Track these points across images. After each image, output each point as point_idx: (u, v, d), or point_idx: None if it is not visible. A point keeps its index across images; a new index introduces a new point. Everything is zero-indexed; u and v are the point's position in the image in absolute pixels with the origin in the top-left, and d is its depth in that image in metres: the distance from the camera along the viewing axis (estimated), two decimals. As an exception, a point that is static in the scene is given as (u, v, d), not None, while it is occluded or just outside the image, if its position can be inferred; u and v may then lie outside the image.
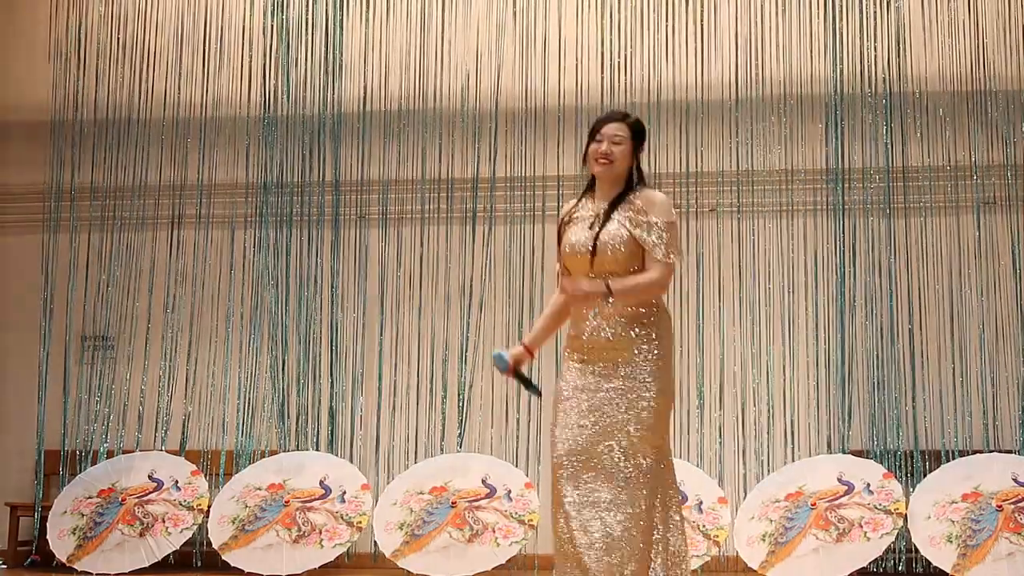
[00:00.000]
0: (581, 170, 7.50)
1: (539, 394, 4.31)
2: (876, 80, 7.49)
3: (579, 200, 4.20)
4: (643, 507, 3.89)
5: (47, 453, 7.82)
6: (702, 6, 7.70)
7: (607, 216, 4.05)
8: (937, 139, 7.47)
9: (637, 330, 4.01)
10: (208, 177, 7.97)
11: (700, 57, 7.69)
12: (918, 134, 7.51)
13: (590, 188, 4.19)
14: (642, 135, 4.21)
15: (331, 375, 7.84)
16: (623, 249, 3.99)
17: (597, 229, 4.02)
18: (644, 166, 4.56)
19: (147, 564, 7.11)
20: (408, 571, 6.83)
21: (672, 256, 3.99)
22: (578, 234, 4.08)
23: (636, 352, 4.04)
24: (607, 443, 3.92)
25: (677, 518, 4.04)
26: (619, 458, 3.90)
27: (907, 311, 7.31)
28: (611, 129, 4.12)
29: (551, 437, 4.02)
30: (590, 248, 3.99)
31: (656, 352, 4.05)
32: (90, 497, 7.45)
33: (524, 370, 4.24)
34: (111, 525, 7.32)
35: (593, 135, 4.14)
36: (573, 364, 4.10)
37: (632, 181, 4.15)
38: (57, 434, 7.80)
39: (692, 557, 6.50)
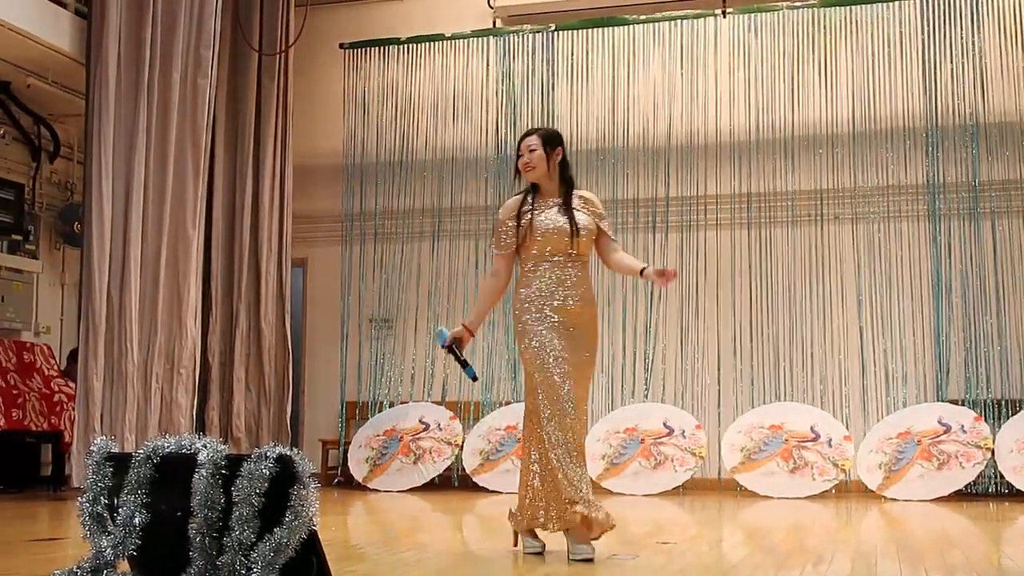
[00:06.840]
0: (733, 189, 8.35)
1: (474, 378, 3.99)
2: (964, 114, 8.01)
3: (526, 198, 4.18)
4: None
5: (347, 403, 8.81)
6: (825, 60, 8.27)
7: (569, 208, 4.12)
8: (1014, 159, 7.93)
9: None
10: (458, 202, 8.81)
11: (825, 100, 8.28)
12: (997, 156, 7.95)
13: (534, 190, 4.20)
14: (553, 140, 4.17)
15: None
16: (589, 231, 4.16)
17: (569, 217, 4.09)
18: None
19: (419, 484, 7.97)
20: (610, 490, 7.57)
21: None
22: (553, 219, 4.09)
23: None
24: None
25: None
26: None
27: (994, 292, 7.85)
28: (526, 143, 4.18)
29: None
30: (569, 230, 4.05)
31: None
32: (378, 435, 8.34)
33: (466, 351, 4.07)
34: (393, 455, 8.18)
35: (518, 152, 4.21)
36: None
37: (567, 180, 4.19)
38: (354, 389, 8.83)
39: (824, 481, 7.22)
